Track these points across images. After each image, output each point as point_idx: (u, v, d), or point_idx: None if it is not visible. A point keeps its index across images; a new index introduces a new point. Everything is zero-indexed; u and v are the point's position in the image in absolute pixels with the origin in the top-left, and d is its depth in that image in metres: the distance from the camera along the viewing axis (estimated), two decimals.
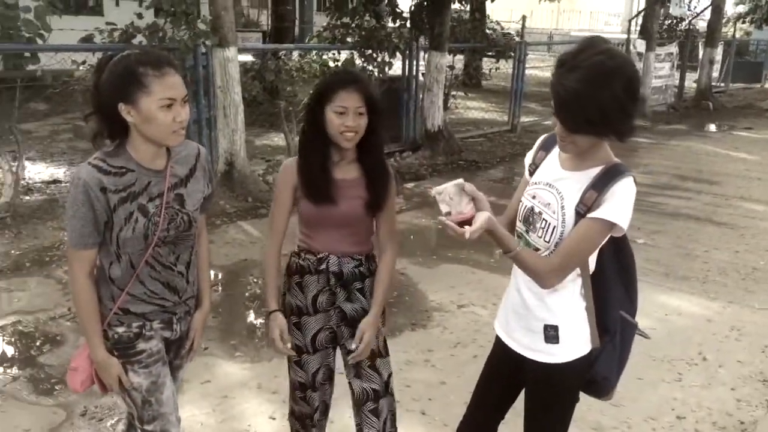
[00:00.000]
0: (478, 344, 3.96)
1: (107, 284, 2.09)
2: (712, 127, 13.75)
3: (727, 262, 5.65)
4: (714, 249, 5.98)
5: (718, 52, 16.82)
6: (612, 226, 1.87)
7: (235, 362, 3.77)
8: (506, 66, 11.95)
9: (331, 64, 9.28)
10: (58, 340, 3.94)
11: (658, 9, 13.95)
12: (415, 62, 9.25)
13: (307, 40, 15.01)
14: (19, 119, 6.28)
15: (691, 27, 17.09)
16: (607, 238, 1.94)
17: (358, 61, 8.76)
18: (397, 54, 8.97)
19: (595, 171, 1.90)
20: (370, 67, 8.73)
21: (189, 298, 2.24)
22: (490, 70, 12.84)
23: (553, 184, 1.99)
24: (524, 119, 11.66)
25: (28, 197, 6.34)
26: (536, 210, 2.00)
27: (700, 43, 17.10)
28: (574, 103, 1.78)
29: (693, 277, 5.30)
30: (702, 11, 17.43)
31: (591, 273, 2.01)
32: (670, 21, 17.00)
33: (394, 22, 9.55)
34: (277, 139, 9.04)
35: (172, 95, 1.92)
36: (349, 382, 2.45)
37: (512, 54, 11.29)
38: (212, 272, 4.88)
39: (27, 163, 6.91)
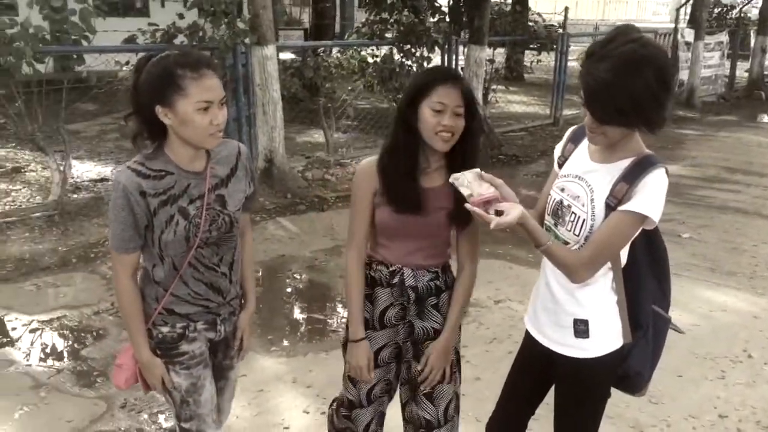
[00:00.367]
0: (514, 340, 3.91)
1: (152, 285, 2.09)
2: (765, 118, 13.31)
3: None
4: (763, 243, 5.78)
5: None
6: (644, 218, 1.82)
7: (271, 356, 3.82)
8: (548, 58, 11.78)
9: (370, 60, 9.25)
10: (101, 333, 4.05)
11: None
12: (454, 57, 9.17)
13: (346, 37, 15.06)
14: (66, 119, 6.45)
15: (742, 15, 16.57)
16: (639, 231, 1.90)
17: (397, 57, 8.74)
18: (436, 49, 8.92)
19: (625, 163, 1.86)
20: (409, 63, 8.71)
21: (233, 298, 2.23)
22: (531, 63, 12.68)
23: (583, 176, 1.95)
24: (567, 112, 11.47)
25: (75, 195, 6.51)
26: (565, 203, 1.96)
27: (751, 32, 16.57)
28: (604, 93, 1.74)
29: (740, 272, 5.14)
30: None
31: (623, 266, 1.97)
32: (720, 9, 16.52)
33: (433, 17, 9.51)
34: (317, 136, 9.08)
35: (209, 98, 1.89)
36: (404, 403, 2.31)
37: (555, 46, 11.13)
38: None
39: (75, 162, 7.09)
